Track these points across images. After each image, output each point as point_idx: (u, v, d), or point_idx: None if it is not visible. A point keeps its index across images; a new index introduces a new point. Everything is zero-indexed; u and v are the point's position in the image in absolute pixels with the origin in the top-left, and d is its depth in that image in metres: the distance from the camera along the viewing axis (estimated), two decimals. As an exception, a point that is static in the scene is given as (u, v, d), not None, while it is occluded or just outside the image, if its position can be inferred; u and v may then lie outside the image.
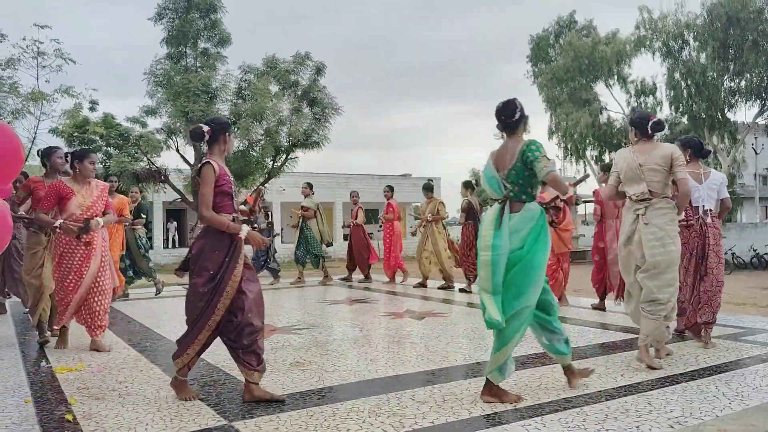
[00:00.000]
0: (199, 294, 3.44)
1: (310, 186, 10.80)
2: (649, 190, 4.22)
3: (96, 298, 4.97)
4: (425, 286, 9.69)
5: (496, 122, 3.64)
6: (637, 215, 4.28)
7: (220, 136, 3.61)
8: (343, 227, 12.23)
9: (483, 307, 3.46)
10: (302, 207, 10.65)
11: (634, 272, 4.38)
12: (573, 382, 3.68)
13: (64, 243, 4.87)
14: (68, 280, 4.85)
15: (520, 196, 3.51)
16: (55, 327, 5.36)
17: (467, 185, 9.19)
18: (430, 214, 9.66)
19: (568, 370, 3.71)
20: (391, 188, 10.96)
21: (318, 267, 10.85)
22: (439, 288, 9.44)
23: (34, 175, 5.26)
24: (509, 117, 3.57)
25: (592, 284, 7.05)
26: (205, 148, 3.69)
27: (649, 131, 4.30)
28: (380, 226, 11.08)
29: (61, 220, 4.71)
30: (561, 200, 4.34)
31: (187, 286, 3.58)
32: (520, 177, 3.48)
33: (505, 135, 3.66)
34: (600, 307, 6.94)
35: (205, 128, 3.55)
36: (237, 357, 3.53)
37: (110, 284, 5.17)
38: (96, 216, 4.92)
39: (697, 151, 4.97)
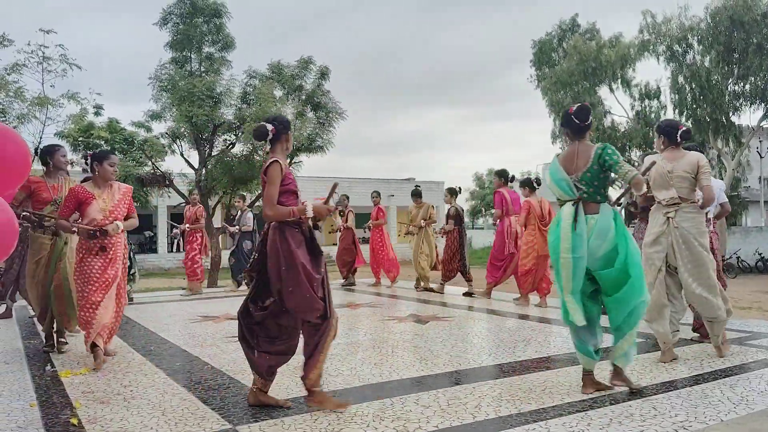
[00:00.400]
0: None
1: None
2: (679, 196, 4.37)
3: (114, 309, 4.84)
4: (428, 290, 9.70)
5: (564, 126, 3.79)
6: (668, 218, 4.41)
7: (282, 135, 3.57)
8: (330, 232, 12.20)
9: (564, 308, 3.64)
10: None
11: (656, 273, 4.45)
12: (586, 389, 3.66)
13: (84, 248, 4.65)
14: (90, 284, 4.58)
15: (595, 197, 3.64)
16: (66, 334, 5.33)
17: (452, 192, 9.29)
18: (423, 219, 9.84)
19: (587, 376, 3.70)
20: (378, 193, 11.02)
21: None
22: (435, 290, 9.52)
23: (34, 176, 5.04)
24: (584, 120, 3.71)
25: None
26: (268, 147, 3.62)
27: (678, 139, 4.44)
28: (365, 231, 11.07)
29: (79, 225, 4.55)
30: (635, 195, 4.58)
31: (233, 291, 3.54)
32: (595, 179, 3.61)
33: (569, 139, 3.80)
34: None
35: (269, 127, 3.52)
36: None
37: (125, 292, 5.05)
38: (117, 220, 4.71)
39: None
